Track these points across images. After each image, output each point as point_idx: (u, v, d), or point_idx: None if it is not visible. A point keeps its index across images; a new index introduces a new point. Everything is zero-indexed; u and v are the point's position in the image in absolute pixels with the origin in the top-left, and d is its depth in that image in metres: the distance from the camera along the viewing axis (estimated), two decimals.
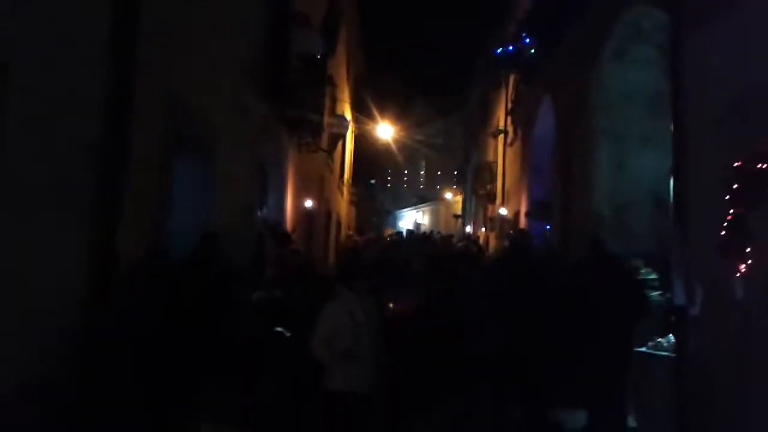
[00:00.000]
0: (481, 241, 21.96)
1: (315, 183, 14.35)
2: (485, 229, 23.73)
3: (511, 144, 17.27)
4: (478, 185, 23.26)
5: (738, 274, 4.80)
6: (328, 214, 16.79)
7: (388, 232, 29.51)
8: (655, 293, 7.07)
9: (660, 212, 7.80)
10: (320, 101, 11.21)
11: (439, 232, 29.71)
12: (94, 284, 3.84)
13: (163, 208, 5.20)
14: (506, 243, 12.50)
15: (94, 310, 3.83)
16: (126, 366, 4.20)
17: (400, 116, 28.63)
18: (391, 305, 4.78)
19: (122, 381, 4.09)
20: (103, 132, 4.00)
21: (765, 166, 4.53)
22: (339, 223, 19.84)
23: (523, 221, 12.46)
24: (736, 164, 4.87)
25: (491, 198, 21.27)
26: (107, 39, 4.07)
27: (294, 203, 11.63)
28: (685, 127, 5.65)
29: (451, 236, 19.96)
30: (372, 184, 37.60)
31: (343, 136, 12.21)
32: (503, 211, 14.43)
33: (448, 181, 42.41)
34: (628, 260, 7.23)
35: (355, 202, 25.55)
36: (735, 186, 4.92)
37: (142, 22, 4.31)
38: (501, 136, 19.37)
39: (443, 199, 41.24)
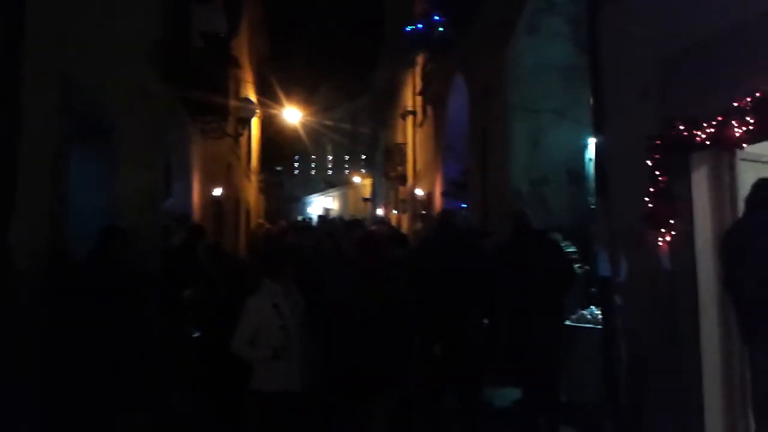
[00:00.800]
0: (393, 223, 21.96)
1: (222, 170, 13.73)
2: (397, 211, 23.77)
3: (421, 125, 17.24)
4: (389, 167, 23.21)
5: (663, 243, 4.84)
6: (237, 203, 16.16)
7: (298, 218, 28.99)
8: (575, 266, 7.16)
9: (575, 186, 7.91)
10: (225, 83, 10.64)
11: (353, 217, 29.57)
12: None
13: (59, 201, 4.65)
14: (428, 224, 12.47)
15: None
16: (23, 382, 3.70)
17: (306, 100, 28.10)
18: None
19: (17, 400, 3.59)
20: None
21: (687, 132, 4.57)
22: (248, 212, 19.19)
23: (438, 201, 12.42)
24: (658, 133, 4.91)
25: (402, 180, 21.27)
26: None
27: (201, 192, 11.03)
28: (605, 99, 5.65)
29: (362, 220, 19.76)
30: (279, 170, 36.87)
31: (250, 121, 11.65)
32: (419, 191, 14.37)
33: (356, 165, 42.28)
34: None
35: (264, 189, 24.84)
36: (656, 156, 4.96)
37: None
38: (410, 118, 19.33)
39: (352, 184, 41.07)
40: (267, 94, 21.63)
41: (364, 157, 39.79)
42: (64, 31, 4.58)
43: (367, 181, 36.98)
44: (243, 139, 17.44)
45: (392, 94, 24.99)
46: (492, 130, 8.59)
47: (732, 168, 4.71)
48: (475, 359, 5.37)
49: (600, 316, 6.20)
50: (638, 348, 5.15)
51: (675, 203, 4.79)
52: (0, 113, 3.59)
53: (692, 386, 4.60)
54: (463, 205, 10.73)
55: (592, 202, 7.59)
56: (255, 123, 20.95)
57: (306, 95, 29.27)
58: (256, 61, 20.73)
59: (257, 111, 12.33)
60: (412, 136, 19.17)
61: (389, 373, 4.10)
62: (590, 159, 7.64)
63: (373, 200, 33.22)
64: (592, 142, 7.62)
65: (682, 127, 4.58)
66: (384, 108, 28.03)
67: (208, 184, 11.71)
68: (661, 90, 5.00)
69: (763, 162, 4.80)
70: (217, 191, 11.69)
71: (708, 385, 4.57)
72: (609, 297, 5.48)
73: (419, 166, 17.73)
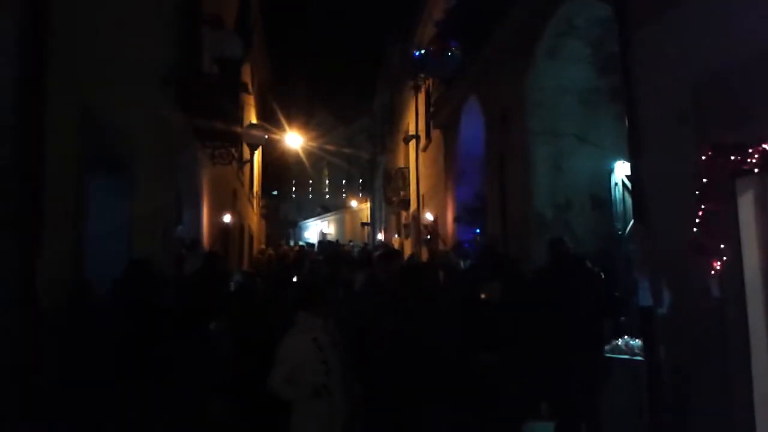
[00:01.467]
0: (396, 247, 21.73)
1: (229, 196, 13.54)
2: (398, 236, 23.55)
3: (425, 149, 17.12)
4: (390, 192, 23.02)
5: (713, 272, 4.67)
6: (242, 228, 15.96)
7: (299, 243, 28.74)
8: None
9: (599, 211, 7.75)
10: (236, 109, 10.50)
11: (350, 242, 29.35)
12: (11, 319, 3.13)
13: (81, 235, 4.46)
14: (436, 249, 12.27)
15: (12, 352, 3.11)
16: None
17: (305, 125, 28.01)
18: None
19: None
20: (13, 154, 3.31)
21: (733, 158, 4.42)
22: (252, 237, 18.98)
23: (449, 227, 12.23)
24: (702, 157, 4.76)
25: (405, 204, 21.09)
26: (15, 53, 3.39)
27: (210, 218, 10.83)
28: (641, 122, 5.51)
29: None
30: (275, 195, 36.73)
31: (260, 145, 11.50)
32: (428, 216, 14.17)
33: (353, 190, 42.22)
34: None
35: (265, 214, 24.64)
36: (704, 180, 4.81)
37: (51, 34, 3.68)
38: (413, 142, 19.23)
39: (349, 208, 40.94)
40: (269, 119, 21.55)
41: (361, 181, 39.73)
42: (81, 63, 4.45)
43: (365, 206, 36.84)
44: (247, 166, 17.31)
45: (393, 118, 24.94)
46: (511, 154, 8.44)
47: None
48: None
49: (635, 347, 6.01)
50: (682, 382, 4.94)
51: (723, 229, 4.64)
52: (24, 151, 3.41)
53: (741, 423, 4.41)
54: (476, 231, 10.55)
55: (618, 227, 7.45)
56: (258, 149, 20.85)
57: (305, 120, 29.21)
58: (258, 86, 20.65)
59: (267, 136, 12.15)
60: (415, 161, 19.04)
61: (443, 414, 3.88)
62: (616, 184, 7.50)
63: (372, 225, 33.01)
64: (618, 167, 7.50)
65: (726, 151, 4.44)
66: (383, 132, 27.97)
67: (216, 211, 11.52)
68: (699, 113, 4.88)
69: None
70: (226, 217, 11.48)
71: (759, 419, 4.38)
72: (651, 327, 5.28)
73: (423, 190, 17.57)
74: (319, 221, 45.89)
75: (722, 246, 4.61)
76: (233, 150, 10.94)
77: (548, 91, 7.89)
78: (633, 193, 5.63)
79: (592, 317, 5.05)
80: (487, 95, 9.55)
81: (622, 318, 6.80)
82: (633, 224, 5.46)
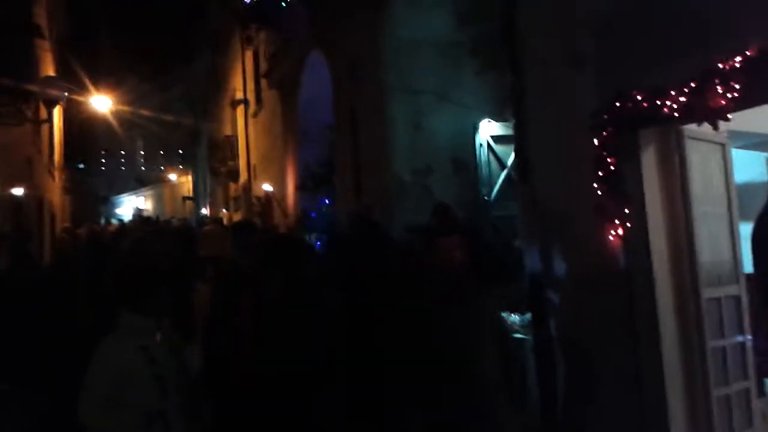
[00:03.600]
0: (225, 222, 20.15)
1: (21, 166, 11.27)
2: (227, 209, 21.91)
3: (255, 114, 15.76)
4: (217, 163, 21.27)
5: (615, 237, 4.16)
6: (40, 204, 13.54)
7: (111, 221, 25.89)
8: None
9: (462, 175, 7.17)
10: (27, 57, 8.51)
11: (172, 218, 27.00)
12: None
13: None
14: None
15: None
16: None
17: (114, 88, 24.98)
18: None
19: None
20: None
21: (647, 104, 3.89)
22: (53, 215, 16.36)
23: (291, 197, 11.15)
24: (604, 106, 4.21)
25: (234, 175, 19.52)
26: None
27: None
28: (524, 72, 4.87)
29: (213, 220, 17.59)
30: (81, 167, 32.99)
31: (59, 103, 9.56)
32: (266, 186, 12.90)
33: (172, 162, 39.32)
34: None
35: (70, 188, 21.67)
36: (605, 133, 4.27)
37: None
38: (241, 107, 17.69)
39: (168, 181, 38.11)
40: (70, 78, 18.72)
41: (181, 152, 37.01)
42: None
43: (186, 179, 34.35)
44: (44, 130, 14.76)
45: (217, 82, 23.02)
46: (365, 113, 7.57)
47: (681, 147, 4.15)
48: None
49: (512, 323, 5.47)
50: (582, 364, 4.43)
51: (625, 189, 4.13)
52: None
53: (653, 394, 3.98)
54: (324, 201, 9.59)
55: (484, 193, 6.90)
56: (58, 110, 18.02)
57: (114, 83, 26.09)
58: (56, 39, 17.76)
59: (66, 94, 10.16)
60: (244, 128, 17.57)
61: None
62: (480, 145, 6.93)
63: (196, 199, 30.76)
64: (483, 126, 6.93)
65: (640, 98, 3.90)
66: (206, 98, 25.87)
67: (3, 183, 9.43)
68: (599, 58, 4.32)
69: (707, 141, 4.31)
70: (17, 190, 9.42)
71: (670, 390, 3.97)
72: (540, 300, 4.71)
73: (255, 160, 16.22)
74: (134, 196, 42.37)
75: (625, 208, 4.11)
76: (24, 107, 8.94)
77: (405, 42, 7.11)
78: (517, 151, 5.00)
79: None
80: (334, 47, 8.56)
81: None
82: (521, 189, 4.82)
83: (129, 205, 41.52)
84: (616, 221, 4.11)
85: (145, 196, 41.64)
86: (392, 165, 6.99)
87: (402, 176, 6.98)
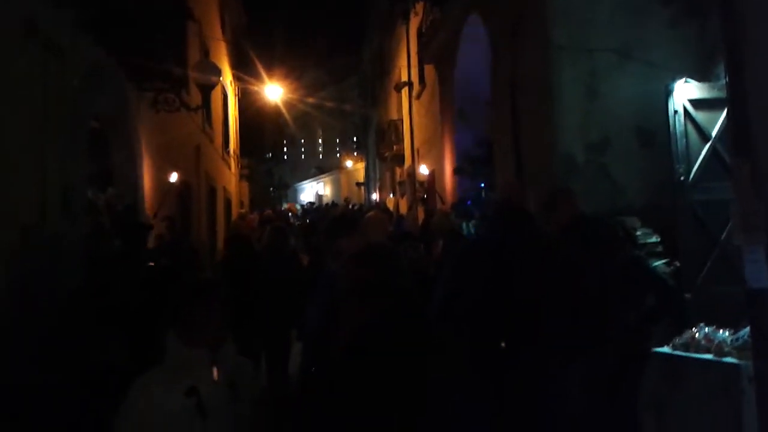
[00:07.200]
0: (391, 208, 19.83)
1: (189, 153, 11.56)
2: (393, 194, 21.62)
3: (419, 96, 15.04)
4: (383, 147, 21.04)
5: None
6: (212, 191, 13.98)
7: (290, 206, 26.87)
8: (659, 262, 5.07)
9: (649, 150, 5.79)
10: (179, 40, 8.44)
11: (345, 200, 27.46)
12: None
13: None
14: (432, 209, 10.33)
15: None
16: None
17: (290, 80, 25.70)
18: None
19: None
20: None
21: None
22: (229, 201, 17.01)
23: (449, 181, 10.26)
24: None
25: (399, 160, 19.08)
26: None
27: (155, 177, 8.88)
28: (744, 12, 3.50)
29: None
30: (267, 157, 34.80)
31: (213, 88, 9.47)
32: (424, 169, 12.14)
33: (348, 149, 40.29)
34: (621, 221, 5.17)
35: (248, 176, 22.63)
36: None
37: None
38: (405, 90, 17.09)
39: (344, 168, 39.14)
40: (245, 69, 19.39)
41: (355, 139, 37.73)
42: None
43: (360, 165, 34.94)
44: (217, 119, 15.29)
45: (383, 66, 22.73)
46: (526, 81, 6.43)
47: None
48: None
49: (724, 342, 4.13)
50: None
51: None
52: None
53: None
54: (481, 185, 8.57)
55: (680, 171, 5.47)
56: (232, 102, 18.74)
57: (292, 77, 26.86)
58: (231, 31, 18.43)
59: (221, 77, 10.09)
60: (409, 110, 16.95)
61: None
62: (675, 111, 5.49)
63: (367, 184, 31.07)
64: (678, 88, 5.49)
65: None
66: (375, 85, 25.77)
67: (167, 169, 9.56)
68: None
69: None
70: (174, 176, 9.51)
71: None
72: (764, 316, 3.37)
73: (418, 143, 15.53)
74: (314, 182, 44.22)
75: None
76: (181, 94, 8.91)
77: None
78: (730, 114, 3.64)
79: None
80: (494, 8, 7.45)
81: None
82: (731, 160, 3.51)
83: (310, 191, 43.44)
84: None
85: (323, 182, 43.21)
86: (559, 140, 5.80)
87: (572, 153, 5.77)
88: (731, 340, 4.11)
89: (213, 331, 2.17)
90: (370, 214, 9.86)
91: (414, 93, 15.82)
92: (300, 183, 45.14)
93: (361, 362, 2.05)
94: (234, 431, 2.15)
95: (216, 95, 14.23)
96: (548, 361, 3.24)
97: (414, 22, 14.32)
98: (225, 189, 16.28)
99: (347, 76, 35.82)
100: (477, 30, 8.19)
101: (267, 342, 5.76)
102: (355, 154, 37.77)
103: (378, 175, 26.91)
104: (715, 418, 3.91)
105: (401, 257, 2.60)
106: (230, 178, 17.92)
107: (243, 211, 18.51)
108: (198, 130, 12.38)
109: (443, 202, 10.32)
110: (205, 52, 13.32)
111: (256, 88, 19.14)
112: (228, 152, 17.43)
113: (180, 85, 8.64)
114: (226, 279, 5.37)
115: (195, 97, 10.02)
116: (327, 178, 42.91)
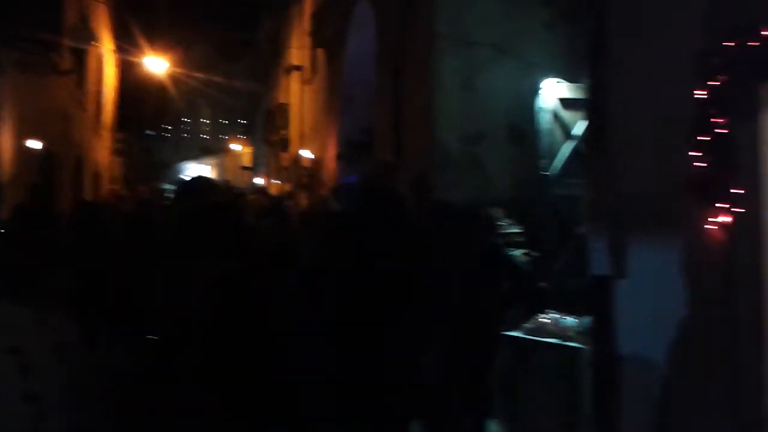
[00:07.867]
0: (273, 193, 19.50)
1: (56, 120, 10.77)
2: (279, 180, 21.28)
3: (309, 81, 14.87)
4: (269, 131, 20.63)
5: (718, 227, 3.03)
6: (79, 163, 13.11)
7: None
8: (518, 251, 5.31)
9: (519, 146, 6.05)
10: (54, 2, 7.83)
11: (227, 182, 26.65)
12: None
13: None
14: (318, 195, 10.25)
15: None
16: None
17: (178, 57, 24.57)
18: None
19: None
20: None
21: None
22: (97, 175, 16.02)
23: (330, 167, 10.23)
24: (714, 49, 3.07)
25: (284, 145, 18.78)
26: None
27: (15, 144, 8.22)
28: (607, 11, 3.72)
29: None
30: (148, 134, 33.21)
31: (87, 51, 8.88)
32: (305, 153, 12.04)
33: (235, 131, 39.26)
34: (486, 211, 5.37)
35: (125, 151, 21.46)
36: (714, 84, 3.12)
37: None
38: (296, 74, 16.83)
39: (230, 151, 38.09)
40: (128, 41, 18.30)
41: (244, 121, 36.81)
42: None
43: (248, 149, 34.13)
44: (91, 87, 14.36)
45: (276, 48, 22.30)
46: (410, 69, 6.52)
47: None
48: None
49: (569, 327, 4.39)
50: (659, 388, 3.33)
51: (738, 161, 2.99)
52: None
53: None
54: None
55: (543, 166, 5.76)
56: (111, 71, 17.68)
57: (178, 50, 25.70)
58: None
59: (98, 44, 9.49)
60: (299, 95, 16.72)
61: None
62: (541, 108, 5.77)
63: (254, 169, 30.42)
64: (547, 86, 5.77)
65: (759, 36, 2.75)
66: (268, 66, 25.21)
67: (30, 135, 8.87)
68: None
69: None
70: (35, 144, 8.83)
71: None
72: (606, 304, 3.60)
73: (306, 128, 15.38)
74: (197, 164, 42.70)
75: (736, 187, 2.97)
76: (53, 56, 8.30)
77: None
78: (588, 113, 3.87)
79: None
80: None
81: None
82: (591, 161, 3.74)
83: (192, 173, 41.85)
84: (723, 204, 2.98)
85: (208, 165, 41.85)
86: (436, 129, 5.93)
87: (447, 143, 5.92)
88: (577, 326, 4.39)
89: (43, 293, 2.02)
90: (252, 197, 9.74)
91: (305, 77, 15.63)
92: (182, 164, 43.43)
93: None
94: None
95: (92, 63, 13.37)
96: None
97: (308, 4, 14.14)
98: (95, 163, 15.35)
99: (242, 56, 34.83)
100: (367, 13, 8.19)
101: None
102: (243, 137, 36.88)
103: (265, 160, 26.44)
104: (560, 397, 4.17)
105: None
106: (102, 151, 16.93)
107: (114, 187, 17.46)
108: (68, 97, 11.57)
109: (323, 189, 10.28)
110: (83, 17, 12.46)
111: (137, 60, 18.13)
112: (100, 123, 16.43)
113: (51, 48, 8.05)
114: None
115: (68, 62, 9.36)
116: (212, 161, 41.66)
